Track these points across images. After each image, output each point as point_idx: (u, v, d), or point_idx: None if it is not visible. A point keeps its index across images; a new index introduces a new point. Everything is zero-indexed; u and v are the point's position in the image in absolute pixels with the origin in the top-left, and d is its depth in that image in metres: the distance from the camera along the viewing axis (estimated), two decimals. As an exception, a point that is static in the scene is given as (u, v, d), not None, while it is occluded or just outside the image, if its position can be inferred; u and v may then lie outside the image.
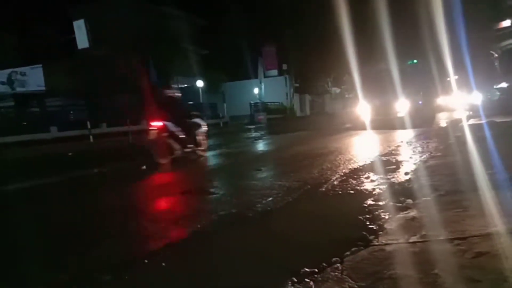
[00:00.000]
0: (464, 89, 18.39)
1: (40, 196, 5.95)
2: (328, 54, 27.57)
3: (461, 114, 15.71)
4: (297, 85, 37.18)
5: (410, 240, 2.69)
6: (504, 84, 16.23)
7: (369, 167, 6.08)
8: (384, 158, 6.91)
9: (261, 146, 12.14)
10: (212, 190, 5.55)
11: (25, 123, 18.96)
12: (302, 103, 39.97)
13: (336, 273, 2.30)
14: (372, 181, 5.03)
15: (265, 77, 35.94)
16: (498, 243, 2.41)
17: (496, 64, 18.45)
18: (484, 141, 6.92)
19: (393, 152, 7.77)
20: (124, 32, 24.69)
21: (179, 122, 8.21)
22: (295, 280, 2.31)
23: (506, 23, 21.31)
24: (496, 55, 18.78)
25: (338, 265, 2.42)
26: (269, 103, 33.60)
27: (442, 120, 16.54)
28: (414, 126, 12.93)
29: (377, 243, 2.74)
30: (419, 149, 7.89)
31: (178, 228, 3.70)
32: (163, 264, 2.77)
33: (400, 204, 3.69)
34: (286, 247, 2.96)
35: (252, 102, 31.32)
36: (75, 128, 18.31)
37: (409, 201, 3.75)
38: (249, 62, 32.88)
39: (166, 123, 7.96)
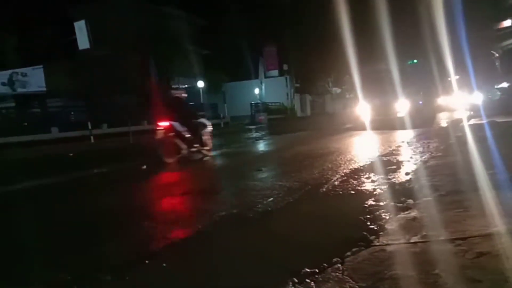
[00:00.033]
0: (465, 89, 18.38)
1: (41, 196, 5.95)
2: (328, 54, 27.57)
3: (462, 114, 15.69)
4: (297, 85, 37.16)
5: (411, 241, 2.69)
6: (505, 84, 16.21)
7: (370, 167, 6.08)
8: (384, 158, 6.91)
9: (261, 146, 12.15)
10: (213, 190, 5.57)
11: (26, 123, 18.97)
12: (303, 103, 39.93)
13: (337, 274, 2.30)
14: (372, 181, 5.02)
15: (265, 77, 35.92)
16: (499, 243, 2.41)
17: (497, 64, 18.42)
18: (485, 141, 6.91)
19: (393, 152, 7.77)
20: (124, 32, 24.69)
21: (185, 122, 8.39)
22: (296, 280, 2.31)
23: (507, 22, 21.26)
24: (497, 55, 18.76)
25: (339, 265, 2.41)
26: (269, 104, 33.58)
27: (443, 120, 16.53)
28: (414, 126, 12.90)
29: (378, 244, 2.74)
30: (420, 149, 7.89)
31: (179, 228, 3.70)
32: (164, 264, 2.78)
33: (401, 204, 3.69)
34: (286, 247, 2.96)
35: (252, 102, 31.30)
36: (76, 128, 18.30)
37: (410, 201, 3.75)
38: (250, 62, 32.86)
39: (173, 123, 8.15)
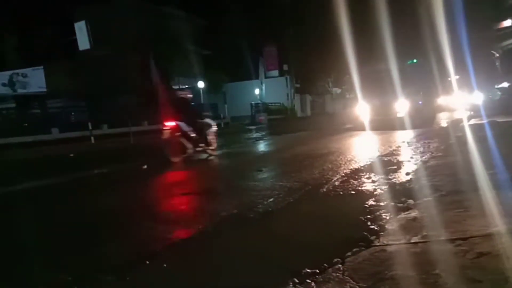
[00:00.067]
0: (465, 89, 18.39)
1: (42, 197, 5.95)
2: (328, 54, 27.55)
3: (462, 114, 15.68)
4: (298, 85, 37.14)
5: (412, 241, 2.69)
6: (505, 84, 16.21)
7: (370, 168, 6.09)
8: (385, 159, 6.91)
9: (262, 146, 12.15)
10: (213, 190, 5.57)
11: (26, 124, 18.99)
12: (303, 104, 39.91)
13: (337, 274, 2.30)
14: (373, 181, 5.03)
15: (266, 77, 35.91)
16: (499, 243, 2.41)
17: (497, 63, 18.43)
18: (485, 141, 6.92)
19: (393, 152, 7.77)
20: (125, 32, 24.68)
21: (191, 122, 8.55)
22: (296, 280, 2.31)
23: (507, 22, 21.26)
24: (497, 55, 18.77)
25: (340, 265, 2.42)
26: (270, 104, 33.56)
27: (443, 120, 16.53)
28: (414, 126, 12.88)
29: (378, 244, 2.75)
30: (420, 149, 7.89)
31: (180, 229, 3.70)
32: (165, 265, 2.78)
33: (401, 205, 3.69)
34: (287, 248, 2.96)
35: (253, 102, 31.29)
36: (76, 129, 18.30)
37: (410, 201, 3.76)
38: (250, 62, 32.85)
39: (179, 123, 8.33)
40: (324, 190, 4.76)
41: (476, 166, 4.84)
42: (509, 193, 3.52)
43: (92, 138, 16.70)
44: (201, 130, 8.80)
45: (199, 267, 2.75)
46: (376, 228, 3.12)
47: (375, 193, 4.38)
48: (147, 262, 2.83)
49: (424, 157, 6.63)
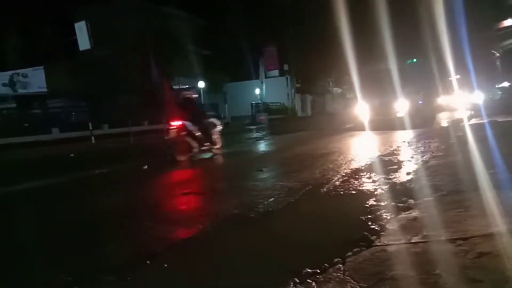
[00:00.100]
0: (466, 89, 18.38)
1: (43, 197, 5.96)
2: (329, 54, 27.53)
3: (462, 113, 15.66)
4: (298, 85, 37.14)
5: (412, 241, 2.69)
6: (506, 83, 16.22)
7: (371, 167, 6.08)
8: (385, 158, 6.91)
9: (262, 146, 12.15)
10: (214, 190, 5.57)
11: (27, 124, 19.00)
12: (304, 103, 39.92)
13: (338, 274, 2.30)
14: (373, 181, 5.03)
15: (266, 77, 35.93)
16: (500, 243, 2.41)
17: (497, 63, 18.43)
18: (486, 140, 6.91)
19: (394, 152, 7.77)
20: (125, 33, 24.70)
21: (197, 121, 8.74)
22: (297, 280, 2.31)
23: (507, 22, 21.24)
24: (498, 55, 18.77)
25: (340, 265, 2.42)
26: (270, 104, 33.58)
27: (444, 119, 16.51)
28: (414, 126, 12.85)
29: (379, 244, 2.75)
30: (421, 149, 7.88)
31: (180, 229, 3.70)
32: (165, 265, 2.78)
33: (402, 204, 3.69)
34: (288, 248, 2.96)
35: (253, 102, 31.31)
36: (76, 129, 18.32)
37: (411, 201, 3.76)
38: (250, 62, 32.88)
39: (185, 122, 8.50)
40: (325, 190, 4.76)
41: (477, 165, 4.84)
42: (509, 193, 3.52)
43: (93, 138, 16.71)
44: (207, 130, 8.99)
45: (199, 267, 2.75)
46: (376, 228, 3.12)
47: (375, 193, 4.38)
48: (148, 262, 2.83)
49: (424, 157, 6.63)
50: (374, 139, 11.17)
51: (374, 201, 4.02)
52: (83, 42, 26.52)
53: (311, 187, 4.96)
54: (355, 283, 2.15)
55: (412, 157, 6.85)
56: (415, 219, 3.19)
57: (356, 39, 19.61)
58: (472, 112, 15.57)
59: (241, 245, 3.12)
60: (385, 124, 13.77)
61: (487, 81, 16.67)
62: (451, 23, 17.13)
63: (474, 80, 16.31)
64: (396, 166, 5.96)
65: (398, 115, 14.45)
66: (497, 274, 2.06)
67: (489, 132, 7.86)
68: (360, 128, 14.00)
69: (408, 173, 5.29)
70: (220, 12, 30.32)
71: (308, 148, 9.52)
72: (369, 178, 5.24)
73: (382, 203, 3.89)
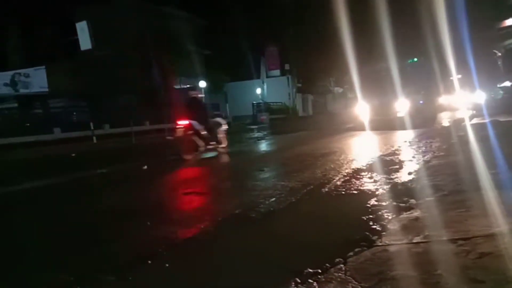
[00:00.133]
0: (467, 88, 18.36)
1: (44, 197, 5.96)
2: (330, 53, 27.52)
3: (464, 113, 15.63)
4: (299, 85, 37.15)
5: (414, 241, 2.69)
6: (507, 83, 16.19)
7: (372, 167, 6.08)
8: (386, 158, 6.90)
9: (263, 146, 12.15)
10: (215, 190, 5.58)
11: (28, 124, 19.03)
12: (305, 103, 39.93)
13: (339, 274, 2.30)
14: (375, 181, 5.02)
15: (267, 77, 35.95)
16: (501, 243, 2.40)
17: (499, 63, 18.41)
18: (488, 140, 6.90)
19: (395, 152, 7.77)
20: (126, 33, 24.73)
21: (203, 121, 8.91)
22: (299, 280, 2.31)
23: (509, 21, 21.20)
24: (500, 54, 18.74)
25: (342, 265, 2.42)
26: (271, 103, 33.59)
27: (445, 119, 16.47)
28: (414, 126, 12.80)
29: (380, 244, 2.74)
30: (422, 149, 7.87)
31: (182, 229, 3.70)
32: (167, 265, 2.79)
33: (403, 204, 3.69)
34: (289, 248, 2.96)
35: (254, 102, 31.32)
36: (78, 129, 18.35)
37: (412, 201, 3.75)
38: (252, 62, 32.89)
39: (192, 122, 8.69)
40: (326, 190, 4.76)
41: (478, 165, 4.83)
42: (511, 193, 3.51)
43: (94, 138, 16.74)
44: (212, 129, 9.16)
45: (200, 267, 2.76)
46: (378, 228, 3.12)
47: (377, 192, 4.38)
48: (149, 262, 2.83)
49: (426, 157, 6.62)
50: (375, 139, 11.16)
51: (376, 201, 4.02)
52: (85, 42, 26.56)
53: (312, 187, 4.96)
54: (356, 283, 2.15)
55: (413, 157, 6.84)
56: (416, 219, 3.19)
57: (357, 39, 19.60)
58: (474, 111, 15.55)
59: (242, 245, 3.12)
60: (385, 124, 13.73)
61: (489, 80, 16.65)
62: (452, 22, 17.10)
63: (475, 79, 16.29)
64: (397, 166, 5.95)
65: (399, 115, 14.39)
66: (499, 274, 2.06)
67: (490, 132, 7.85)
68: (361, 128, 13.96)
69: (409, 173, 5.29)
70: (220, 12, 30.37)
71: (309, 147, 9.52)
72: (370, 178, 5.24)
73: (384, 203, 3.89)
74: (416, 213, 3.34)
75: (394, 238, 2.82)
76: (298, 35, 31.67)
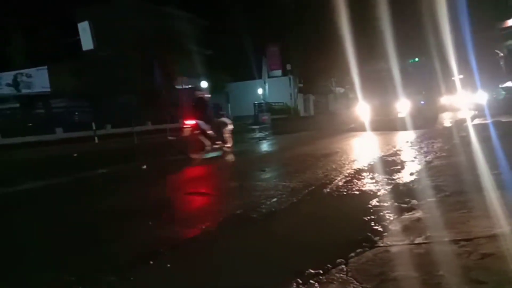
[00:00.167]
0: (469, 89, 18.31)
1: (46, 197, 5.98)
2: (331, 53, 27.49)
3: (465, 114, 15.58)
4: (301, 85, 37.14)
5: (415, 241, 2.69)
6: (510, 84, 16.12)
7: (374, 168, 6.07)
8: (388, 159, 6.90)
9: (265, 146, 12.15)
10: (217, 190, 5.58)
11: (30, 124, 19.09)
12: (306, 103, 39.92)
13: (341, 275, 2.30)
14: (376, 181, 5.02)
15: (269, 77, 35.92)
16: (504, 244, 2.40)
17: (501, 63, 18.34)
18: (490, 141, 6.88)
19: (397, 152, 7.75)
20: (127, 33, 24.79)
21: (209, 120, 9.07)
22: (300, 281, 2.31)
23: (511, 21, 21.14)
24: (502, 54, 18.68)
25: (343, 266, 2.42)
26: (273, 104, 33.58)
27: (446, 120, 16.44)
28: (416, 127, 12.75)
29: (382, 244, 2.74)
30: (424, 149, 7.86)
31: (183, 229, 3.70)
32: (168, 265, 2.79)
33: (405, 205, 3.69)
34: (290, 248, 2.96)
35: (256, 102, 31.31)
36: (80, 129, 18.40)
37: (414, 201, 3.75)
38: (253, 62, 32.88)
39: (198, 121, 8.84)
40: (328, 190, 4.75)
41: (481, 166, 4.82)
42: (513, 194, 3.51)
43: (96, 138, 16.77)
44: (218, 128, 9.28)
45: (202, 268, 2.76)
46: (379, 229, 3.12)
47: (378, 193, 4.37)
48: (151, 262, 2.84)
49: (427, 157, 6.61)
50: (376, 139, 11.14)
51: (377, 201, 4.02)
52: (87, 42, 26.62)
53: (313, 187, 4.95)
54: (358, 284, 2.15)
55: (415, 158, 6.83)
56: (418, 220, 3.18)
57: (358, 39, 19.57)
58: (476, 112, 15.49)
59: (244, 246, 3.12)
60: (386, 124, 13.66)
61: (491, 81, 16.59)
62: (454, 22, 17.04)
63: (477, 80, 16.24)
64: (399, 167, 5.94)
65: (400, 115, 14.28)
66: (501, 275, 2.06)
67: (492, 133, 7.81)
68: (362, 128, 13.92)
69: (411, 174, 5.28)
70: (222, 12, 30.41)
71: (310, 148, 9.51)
72: (372, 178, 5.23)
73: (385, 204, 3.88)
74: (418, 214, 3.34)
75: (395, 239, 2.82)
76: (300, 35, 31.65)
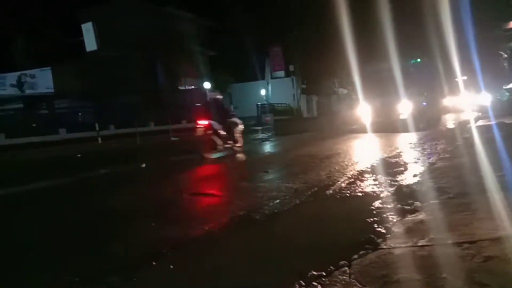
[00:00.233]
0: (472, 90, 18.25)
1: (49, 197, 6.00)
2: (334, 54, 27.47)
3: (469, 115, 15.53)
4: (304, 86, 37.14)
5: (419, 244, 2.68)
6: (513, 85, 16.07)
7: (377, 169, 6.06)
8: (391, 160, 6.88)
9: (268, 147, 12.16)
10: (220, 191, 5.59)
11: (34, 125, 19.16)
12: (309, 104, 39.90)
13: (344, 277, 2.30)
14: (379, 183, 5.01)
15: (272, 78, 35.95)
16: (507, 247, 2.39)
17: (505, 64, 18.29)
18: (493, 142, 6.86)
19: (400, 154, 7.74)
20: (130, 34, 24.87)
21: (221, 121, 9.29)
22: (303, 283, 2.31)
23: (515, 23, 21.08)
24: (505, 55, 18.62)
25: (346, 268, 2.41)
26: (276, 104, 33.58)
27: (450, 121, 16.38)
28: (417, 128, 12.63)
29: (385, 247, 2.73)
30: (427, 151, 7.84)
31: (186, 230, 3.70)
32: (171, 266, 2.79)
33: (408, 207, 3.68)
34: (293, 250, 2.96)
35: (259, 103, 31.32)
36: (83, 130, 18.47)
37: (417, 203, 3.74)
38: (256, 63, 32.92)
39: (211, 122, 9.10)
40: (331, 191, 4.75)
41: (484, 168, 4.80)
42: (517, 196, 3.49)
43: (99, 138, 16.81)
44: (230, 128, 9.48)
45: (205, 269, 2.76)
46: (382, 231, 3.11)
47: (381, 195, 4.37)
48: (154, 263, 2.85)
49: (431, 159, 6.59)
50: (379, 141, 11.11)
51: (380, 203, 4.01)
52: (90, 43, 26.71)
53: (316, 189, 4.95)
54: (361, 286, 2.15)
55: (418, 159, 6.82)
56: (421, 221, 3.17)
57: (361, 39, 19.53)
58: (479, 113, 15.45)
59: (246, 247, 3.13)
60: (388, 126, 13.54)
61: (495, 82, 16.55)
62: (457, 23, 16.99)
63: (481, 81, 16.19)
64: (402, 168, 5.93)
65: (401, 117, 14.10)
66: (505, 278, 2.05)
67: (496, 134, 7.80)
68: (365, 130, 13.84)
69: (414, 175, 5.27)
70: (225, 13, 30.43)
71: (313, 149, 9.51)
72: (375, 180, 5.23)
73: (388, 206, 3.87)
74: (421, 216, 3.33)
75: (399, 241, 2.81)
76: (303, 36, 31.65)
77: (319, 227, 3.52)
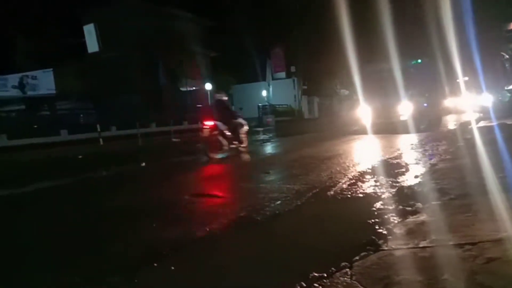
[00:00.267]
0: (474, 91, 18.23)
1: (50, 198, 6.01)
2: (336, 55, 27.46)
3: (470, 116, 15.49)
4: (305, 87, 37.09)
5: (420, 245, 2.67)
6: (515, 86, 16.04)
7: (378, 170, 6.06)
8: (393, 161, 6.88)
9: (269, 148, 12.16)
10: (222, 192, 5.59)
11: (36, 126, 19.21)
12: (311, 105, 39.83)
13: (345, 278, 2.30)
14: (381, 184, 5.00)
15: (273, 79, 35.92)
16: (509, 248, 2.39)
17: (507, 65, 18.25)
18: (495, 143, 6.85)
19: (401, 155, 7.73)
20: (132, 35, 24.91)
21: (227, 122, 9.36)
22: (304, 284, 2.31)
23: (517, 23, 21.06)
24: (507, 56, 18.59)
25: (347, 269, 2.41)
26: (277, 106, 33.55)
27: (451, 122, 16.35)
28: (418, 130, 12.58)
29: (386, 248, 2.73)
30: (428, 152, 7.84)
31: (187, 231, 3.70)
32: (172, 267, 2.79)
33: (410, 208, 3.67)
34: (294, 251, 2.96)
35: (260, 104, 31.31)
36: (85, 131, 18.49)
37: (419, 205, 3.73)
38: (257, 64, 32.92)
39: (217, 122, 9.18)
40: (332, 193, 4.75)
41: (486, 169, 4.79)
42: (519, 197, 3.48)
43: (101, 140, 16.81)
44: (235, 129, 9.56)
45: (206, 270, 2.76)
46: (384, 232, 3.11)
47: (383, 196, 4.36)
48: (155, 264, 2.85)
49: (432, 160, 6.58)
50: (380, 142, 11.10)
51: (382, 204, 4.01)
52: (92, 44, 26.79)
53: (318, 190, 4.95)
54: (362, 287, 2.15)
55: (419, 160, 6.81)
56: (422, 223, 3.17)
57: (362, 40, 19.51)
58: (481, 114, 15.43)
59: (248, 248, 3.13)
60: (388, 127, 13.49)
61: (496, 83, 16.53)
62: (458, 23, 16.95)
63: (482, 82, 16.17)
64: (403, 169, 5.93)
65: (402, 118, 14.02)
66: (507, 279, 2.04)
67: (498, 135, 7.78)
68: (365, 131, 13.80)
69: (415, 176, 5.26)
70: (226, 13, 30.45)
71: (314, 150, 9.51)
72: (376, 181, 5.22)
73: (390, 207, 3.87)
74: (422, 217, 3.33)
75: (400, 242, 2.81)
76: (303, 36, 31.65)
77: (320, 228, 3.52)
